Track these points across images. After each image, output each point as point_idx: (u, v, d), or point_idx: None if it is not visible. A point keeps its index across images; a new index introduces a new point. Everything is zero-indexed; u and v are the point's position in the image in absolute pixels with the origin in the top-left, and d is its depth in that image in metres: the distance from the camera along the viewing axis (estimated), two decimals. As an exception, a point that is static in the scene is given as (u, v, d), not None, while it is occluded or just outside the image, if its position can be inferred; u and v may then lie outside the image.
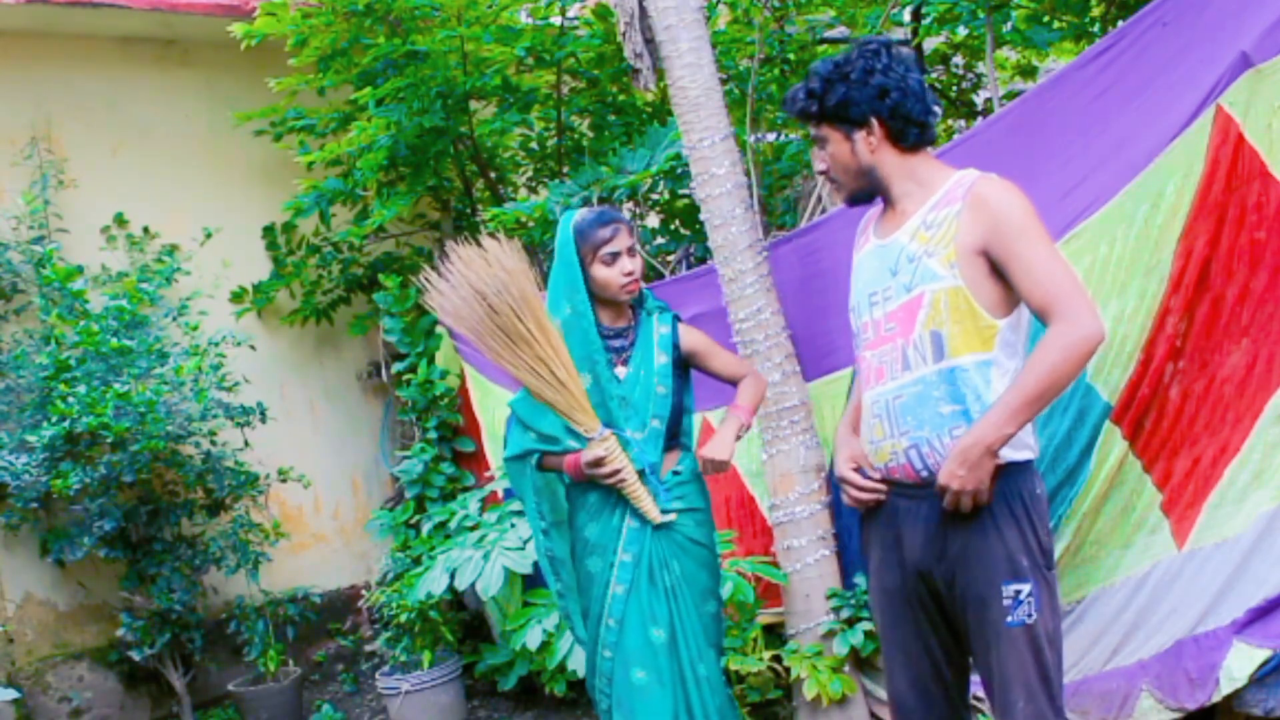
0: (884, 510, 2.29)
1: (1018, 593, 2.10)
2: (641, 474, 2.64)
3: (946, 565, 2.17)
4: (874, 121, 2.17)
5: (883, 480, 2.26)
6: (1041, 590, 2.12)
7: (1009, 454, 2.11)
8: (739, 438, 2.71)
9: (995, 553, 2.11)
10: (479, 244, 2.59)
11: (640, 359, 2.71)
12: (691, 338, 2.80)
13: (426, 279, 2.64)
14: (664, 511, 2.65)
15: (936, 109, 2.22)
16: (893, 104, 2.16)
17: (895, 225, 2.21)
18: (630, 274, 2.68)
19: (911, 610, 2.27)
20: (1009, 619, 2.10)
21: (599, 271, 2.67)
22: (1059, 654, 2.18)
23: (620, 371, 2.70)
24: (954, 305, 2.10)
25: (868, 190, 2.26)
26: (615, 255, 2.66)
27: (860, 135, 2.19)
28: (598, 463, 2.59)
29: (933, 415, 2.13)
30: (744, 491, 3.79)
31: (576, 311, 2.67)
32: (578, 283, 2.68)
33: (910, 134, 2.18)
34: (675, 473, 2.71)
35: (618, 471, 2.59)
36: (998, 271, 2.09)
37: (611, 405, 2.65)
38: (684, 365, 2.79)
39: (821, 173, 2.32)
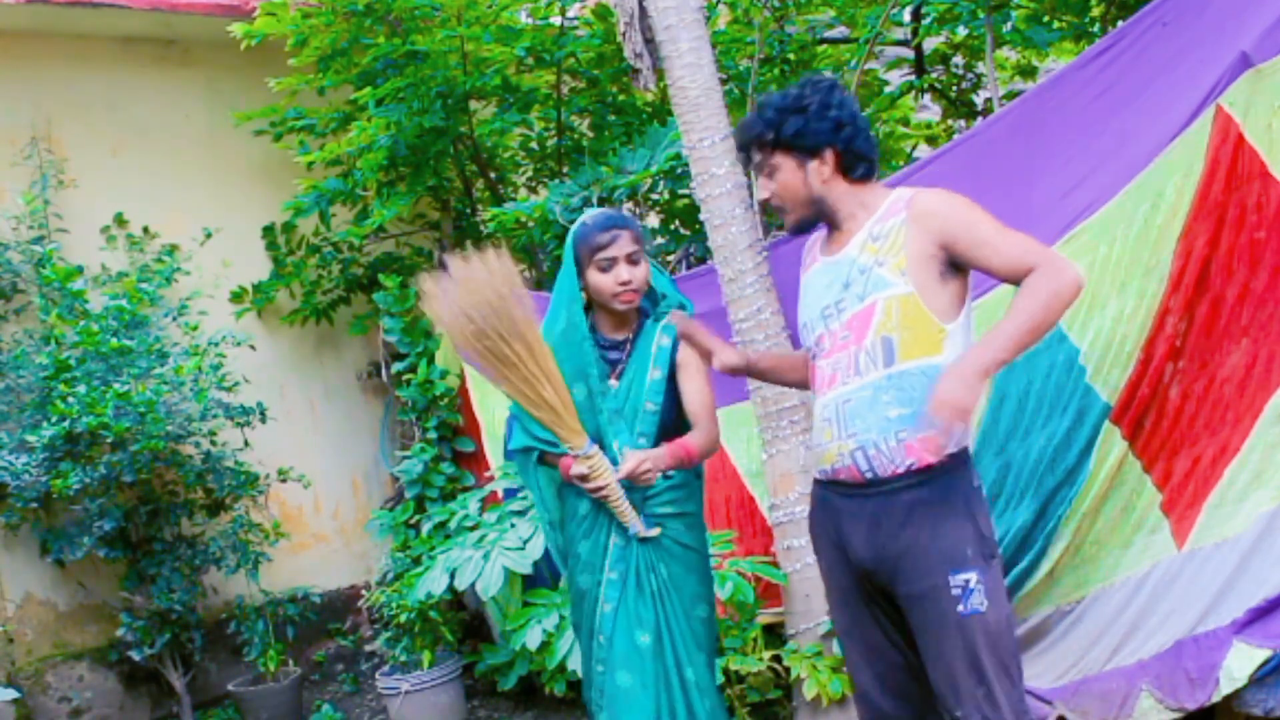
0: (826, 512, 2.36)
1: (967, 582, 2.15)
2: (629, 489, 2.62)
3: (889, 563, 2.22)
4: (828, 152, 2.26)
5: (828, 482, 2.33)
6: (989, 578, 2.17)
7: (949, 446, 2.17)
8: (657, 471, 2.54)
9: (942, 544, 2.16)
10: (473, 256, 2.54)
11: (633, 373, 2.66)
12: (685, 354, 2.67)
13: (426, 286, 2.60)
14: (648, 527, 2.63)
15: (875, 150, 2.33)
16: (848, 137, 2.26)
17: (842, 242, 2.30)
18: (626, 283, 2.60)
19: (868, 606, 2.32)
20: (961, 608, 2.14)
21: (593, 277, 2.62)
22: (1014, 640, 2.24)
23: (613, 384, 2.66)
24: (905, 311, 2.18)
25: (813, 218, 2.34)
26: (612, 261, 2.60)
27: (814, 165, 2.28)
28: (582, 479, 2.59)
29: (880, 419, 2.20)
30: (744, 491, 3.79)
31: (571, 324, 2.65)
32: (575, 293, 2.65)
33: (859, 168, 2.29)
34: (667, 477, 2.66)
35: (601, 488, 2.57)
36: (948, 274, 2.17)
37: (601, 420, 2.63)
38: None
39: (764, 201, 2.39)
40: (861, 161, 2.28)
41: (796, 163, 2.28)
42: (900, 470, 2.18)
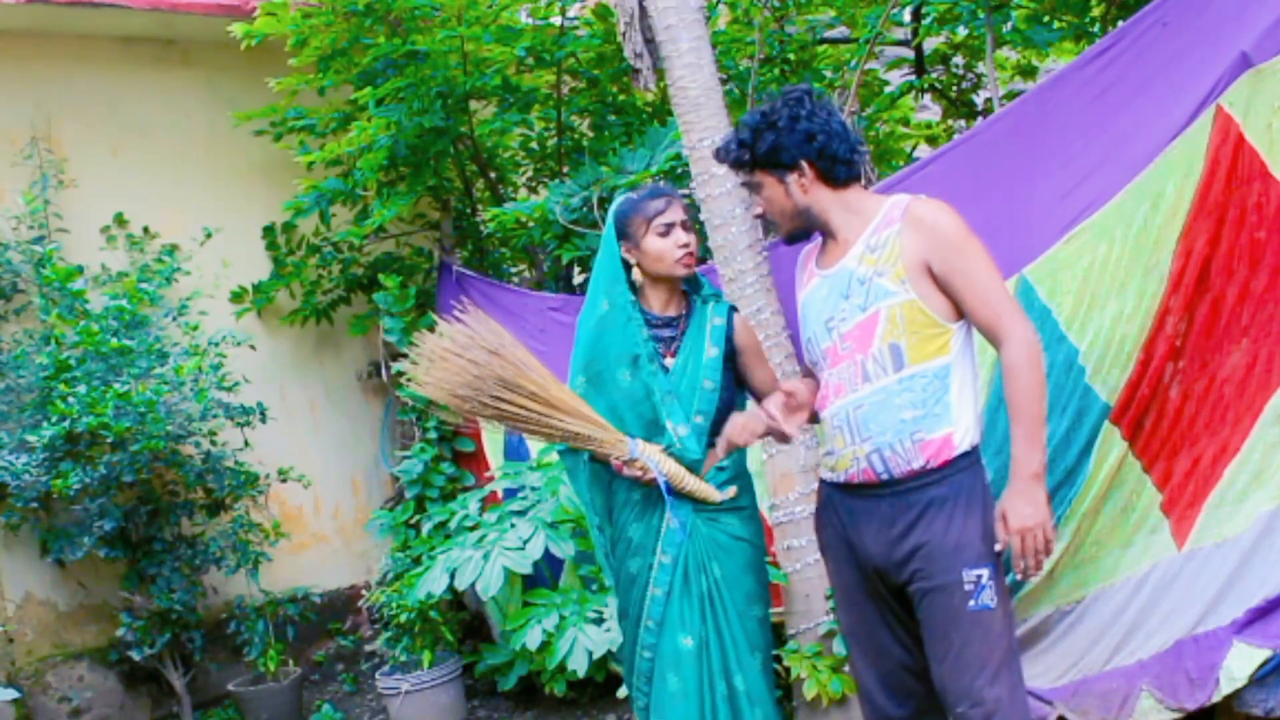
0: (835, 512, 2.37)
1: (979, 578, 2.18)
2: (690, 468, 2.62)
3: (902, 559, 2.23)
4: (804, 164, 2.29)
5: (840, 486, 2.33)
6: (998, 574, 2.21)
7: (963, 443, 2.21)
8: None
9: (959, 540, 2.19)
10: (441, 326, 2.54)
11: (689, 350, 2.65)
12: (745, 336, 2.75)
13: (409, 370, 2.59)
14: (721, 488, 2.63)
15: (862, 147, 2.35)
16: (820, 146, 2.28)
17: (839, 255, 2.32)
18: (686, 245, 2.62)
19: (876, 605, 2.35)
20: (972, 604, 2.17)
21: (653, 244, 2.61)
22: (1016, 639, 2.29)
23: (668, 362, 2.65)
24: (910, 318, 2.21)
25: (805, 228, 2.37)
26: (670, 226, 2.61)
27: (793, 178, 2.31)
28: (636, 479, 2.59)
29: (894, 421, 2.22)
30: (744, 491, 3.78)
31: (615, 305, 2.64)
32: (618, 273, 2.65)
33: (839, 172, 2.31)
34: (720, 469, 2.65)
35: (658, 479, 2.56)
36: (943, 285, 2.20)
37: (655, 400, 2.61)
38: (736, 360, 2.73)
39: (758, 216, 2.43)
40: (840, 165, 2.30)
41: (776, 179, 2.32)
42: (916, 469, 2.21)
